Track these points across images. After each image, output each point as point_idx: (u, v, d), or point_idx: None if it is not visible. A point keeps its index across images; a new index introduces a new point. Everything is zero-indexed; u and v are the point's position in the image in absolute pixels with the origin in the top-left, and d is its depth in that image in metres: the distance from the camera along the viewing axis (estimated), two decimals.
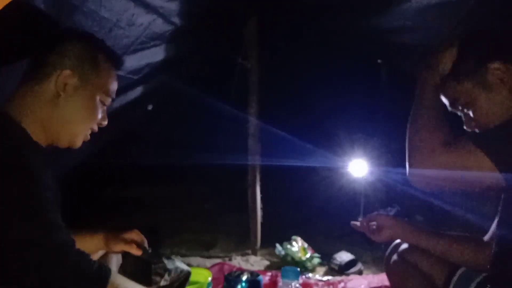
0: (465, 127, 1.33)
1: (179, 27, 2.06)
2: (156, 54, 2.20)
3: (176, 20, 1.99)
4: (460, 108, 1.32)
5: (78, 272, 1.02)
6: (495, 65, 1.23)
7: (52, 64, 1.18)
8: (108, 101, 1.28)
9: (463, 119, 1.34)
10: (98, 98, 1.24)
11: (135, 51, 1.93)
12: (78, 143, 1.27)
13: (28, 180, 1.01)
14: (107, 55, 1.26)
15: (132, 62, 2.03)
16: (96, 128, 1.29)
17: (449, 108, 1.36)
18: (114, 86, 1.29)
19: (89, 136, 1.29)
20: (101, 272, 1.07)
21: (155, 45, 2.06)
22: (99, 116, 1.26)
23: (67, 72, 1.17)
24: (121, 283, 1.11)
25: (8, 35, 1.13)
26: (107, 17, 1.53)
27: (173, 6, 1.87)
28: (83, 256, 1.06)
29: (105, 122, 1.31)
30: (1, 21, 0.90)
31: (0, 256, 0.98)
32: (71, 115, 1.20)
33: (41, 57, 1.19)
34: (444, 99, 1.35)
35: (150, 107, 2.67)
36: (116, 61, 1.31)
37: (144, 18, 1.75)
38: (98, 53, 1.24)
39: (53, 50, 1.19)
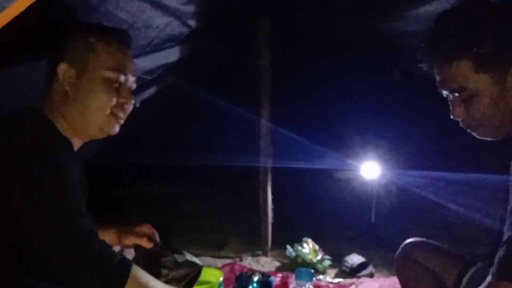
0: (453, 115, 1.22)
1: (194, 29, 2.08)
2: (171, 55, 2.22)
3: (191, 22, 2.01)
4: (457, 95, 1.20)
5: (101, 261, 1.04)
6: None
7: (53, 63, 1.19)
8: (122, 77, 1.23)
9: (451, 102, 1.23)
10: (104, 78, 1.20)
11: (150, 52, 1.94)
12: (111, 128, 1.25)
13: (57, 169, 1.04)
14: (99, 34, 1.22)
15: (147, 63, 2.05)
16: (124, 109, 1.26)
17: (441, 90, 1.22)
18: (120, 60, 1.24)
19: (121, 120, 1.27)
20: (124, 263, 1.07)
21: (170, 47, 2.08)
22: (114, 95, 1.22)
23: (62, 66, 1.18)
24: (142, 276, 1.12)
25: (31, 35, 1.14)
26: (123, 18, 1.54)
27: (189, 9, 1.89)
28: (107, 246, 1.07)
29: (131, 100, 1.27)
30: (27, 21, 0.92)
31: (27, 241, 1.01)
32: (84, 104, 1.19)
33: (49, 58, 1.22)
34: (440, 79, 1.21)
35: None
36: (113, 35, 1.25)
37: (160, 20, 1.77)
38: (88, 35, 1.21)
39: (52, 49, 1.21)
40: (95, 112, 1.21)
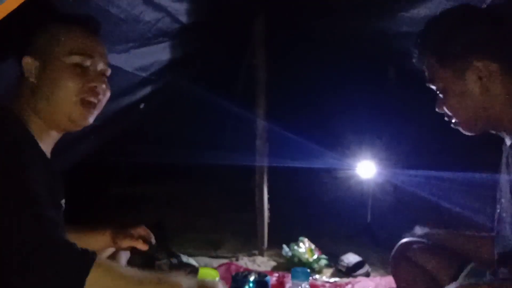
0: (436, 108, 1.32)
1: (187, 26, 2.06)
2: (164, 51, 2.20)
3: (183, 18, 1.99)
4: (435, 88, 1.30)
5: (60, 258, 0.97)
6: (479, 63, 1.19)
7: (20, 58, 1.17)
8: (88, 61, 1.19)
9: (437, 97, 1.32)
10: (67, 63, 1.17)
11: (141, 45, 1.93)
12: (81, 117, 1.20)
13: (16, 172, 1.00)
14: (61, 22, 1.20)
15: (139, 58, 2.03)
16: (95, 93, 1.21)
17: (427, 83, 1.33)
18: (84, 44, 1.20)
19: (93, 108, 1.22)
20: (87, 253, 1.00)
21: (162, 42, 2.06)
22: (80, 79, 1.17)
23: (26, 59, 1.16)
24: (111, 264, 1.08)
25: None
26: (114, 13, 1.52)
27: (181, 5, 1.88)
28: (68, 243, 1.00)
29: (101, 84, 1.22)
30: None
31: None
32: (50, 95, 1.16)
33: (16, 53, 1.20)
34: (426, 72, 1.32)
35: (142, 106, 2.66)
36: (76, 21, 1.21)
37: (151, 16, 1.75)
38: (50, 25, 1.19)
39: (18, 43, 1.19)
40: (62, 100, 1.17)
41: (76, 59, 1.17)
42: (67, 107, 1.18)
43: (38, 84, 1.16)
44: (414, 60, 1.34)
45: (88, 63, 1.20)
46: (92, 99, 1.21)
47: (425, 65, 1.30)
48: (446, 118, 1.32)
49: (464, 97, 1.22)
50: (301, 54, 3.45)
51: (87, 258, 1.00)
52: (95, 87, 1.21)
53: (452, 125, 1.31)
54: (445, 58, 1.23)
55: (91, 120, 1.24)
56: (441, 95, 1.28)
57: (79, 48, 1.18)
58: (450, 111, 1.27)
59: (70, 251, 0.99)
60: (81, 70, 1.18)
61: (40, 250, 0.96)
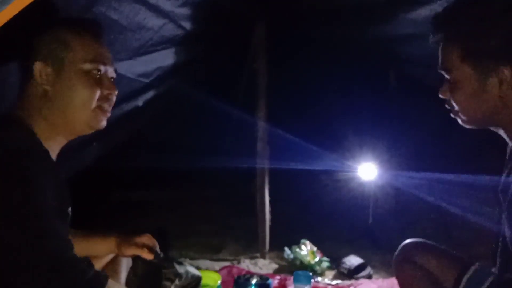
0: (440, 93, 1.27)
1: (189, 32, 2.07)
2: (167, 57, 2.21)
3: (186, 24, 2.00)
4: (446, 76, 1.23)
5: (71, 279, 1.00)
6: (506, 69, 1.12)
7: (28, 63, 1.17)
8: (102, 67, 1.20)
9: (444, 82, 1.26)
10: (83, 71, 1.17)
11: (145, 53, 1.93)
12: (99, 122, 1.22)
13: (25, 186, 1.00)
14: (70, 27, 1.19)
15: (142, 65, 2.04)
16: (109, 100, 1.23)
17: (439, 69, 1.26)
18: (96, 51, 1.20)
19: (108, 113, 1.24)
20: (97, 279, 1.05)
21: (165, 48, 2.07)
22: (97, 87, 1.19)
23: (37, 64, 1.15)
24: None
25: (15, 37, 1.09)
26: (116, 19, 1.52)
27: (184, 11, 1.88)
28: (78, 263, 1.03)
29: (114, 90, 1.24)
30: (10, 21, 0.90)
31: None
32: (67, 102, 1.16)
33: (22, 59, 1.20)
34: (442, 58, 1.24)
35: (140, 103, 2.66)
36: (84, 27, 1.21)
37: (154, 22, 1.75)
38: (60, 30, 1.18)
39: (25, 49, 1.18)
40: (81, 108, 1.18)
41: (90, 66, 1.18)
42: (86, 114, 1.19)
43: (52, 91, 1.16)
44: (430, 38, 1.26)
45: (102, 70, 1.20)
46: (107, 107, 1.23)
47: (444, 51, 1.22)
48: (447, 106, 1.27)
49: (477, 97, 1.17)
50: (302, 57, 3.45)
51: (99, 282, 1.03)
52: (110, 94, 1.23)
53: (451, 114, 1.27)
54: (472, 54, 1.16)
55: (105, 123, 1.25)
56: (450, 84, 1.22)
57: (94, 55, 1.19)
58: (457, 104, 1.22)
59: (82, 275, 1.02)
60: (96, 77, 1.20)
61: (52, 271, 0.98)
